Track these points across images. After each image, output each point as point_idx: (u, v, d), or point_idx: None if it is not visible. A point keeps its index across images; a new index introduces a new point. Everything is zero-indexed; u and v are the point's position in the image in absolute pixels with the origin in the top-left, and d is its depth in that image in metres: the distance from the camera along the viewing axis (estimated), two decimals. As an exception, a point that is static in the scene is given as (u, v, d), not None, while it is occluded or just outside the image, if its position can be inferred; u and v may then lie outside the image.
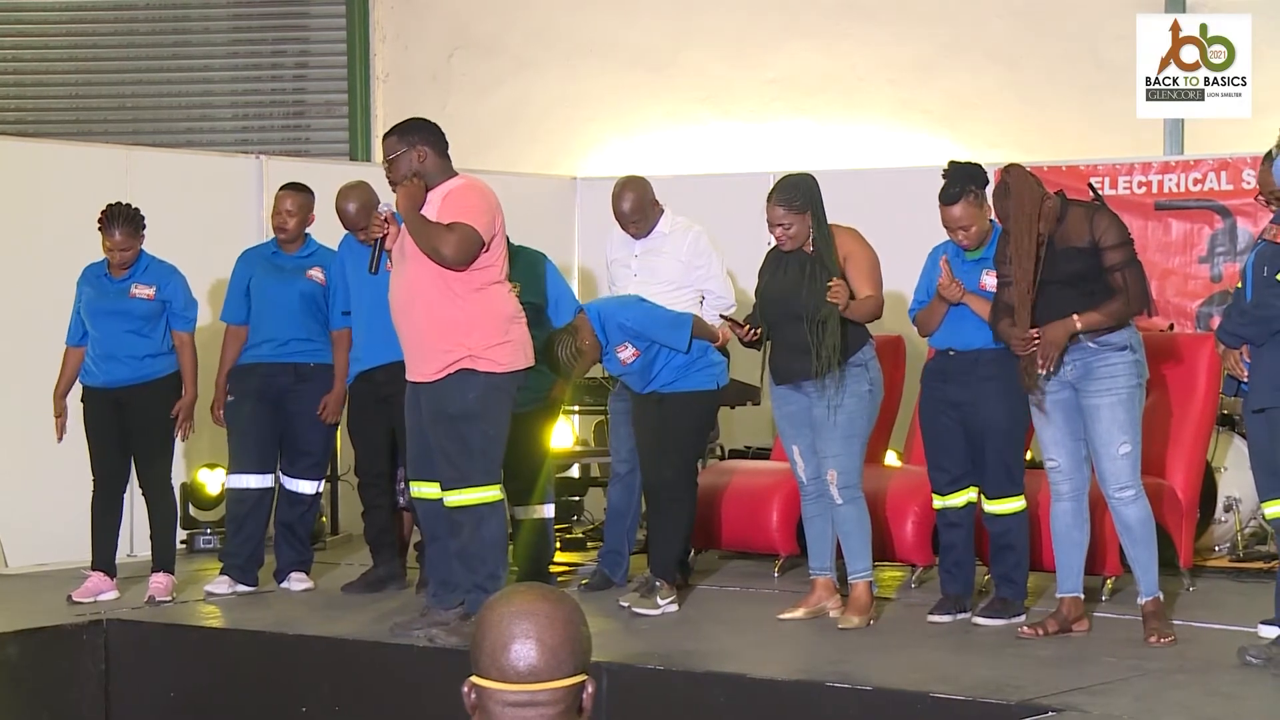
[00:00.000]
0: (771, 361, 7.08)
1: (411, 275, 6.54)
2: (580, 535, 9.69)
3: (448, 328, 6.48)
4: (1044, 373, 6.41)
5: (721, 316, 7.50)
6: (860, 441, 6.94)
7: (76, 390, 7.84)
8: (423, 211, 6.51)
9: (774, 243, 7.01)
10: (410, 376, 6.69)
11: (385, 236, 6.64)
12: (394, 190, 6.65)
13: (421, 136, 6.63)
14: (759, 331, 7.04)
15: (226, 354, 8.07)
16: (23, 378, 8.61)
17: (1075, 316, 6.35)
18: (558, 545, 8.60)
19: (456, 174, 6.70)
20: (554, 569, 8.26)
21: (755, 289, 7.18)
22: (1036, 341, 6.37)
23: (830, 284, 6.68)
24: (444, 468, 6.59)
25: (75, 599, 7.66)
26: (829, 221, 6.93)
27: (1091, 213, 6.49)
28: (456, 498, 6.58)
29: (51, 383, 7.89)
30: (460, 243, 6.40)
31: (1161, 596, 6.54)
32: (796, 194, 6.87)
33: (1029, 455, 7.65)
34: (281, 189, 8.16)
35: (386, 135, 6.71)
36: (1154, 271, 9.28)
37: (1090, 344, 6.42)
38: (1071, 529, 6.61)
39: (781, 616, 7.06)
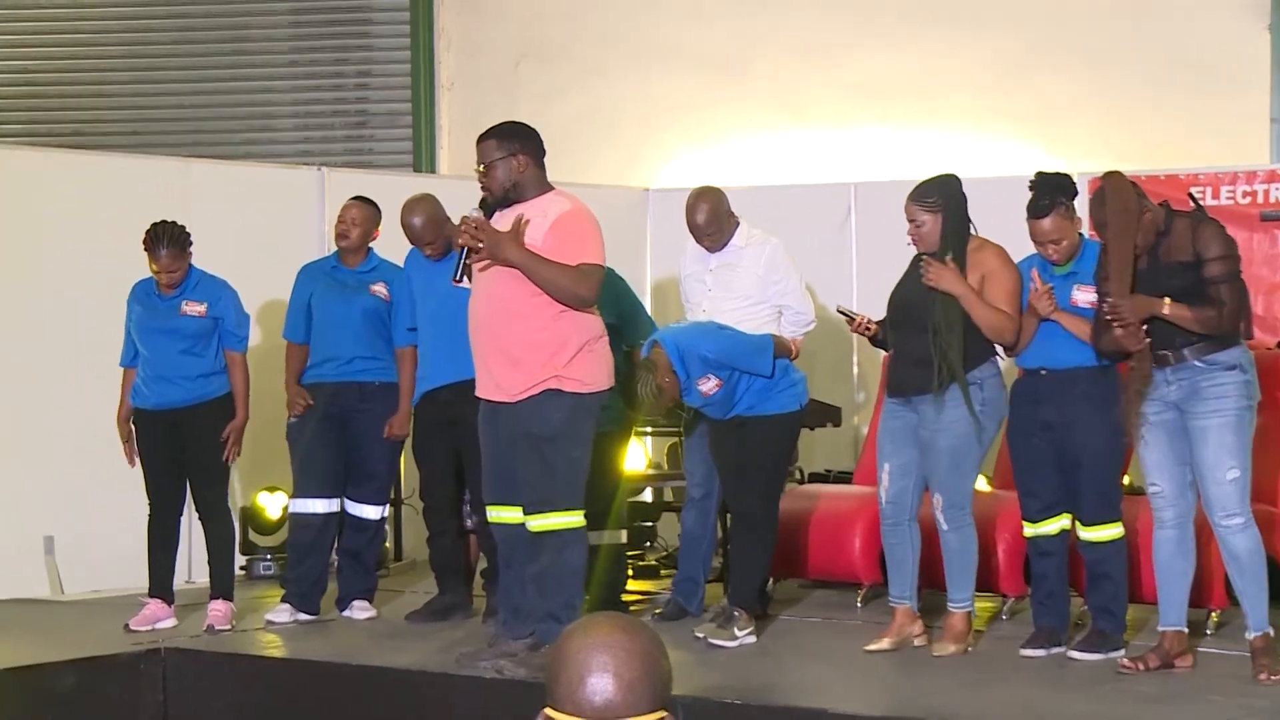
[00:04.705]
0: (890, 371, 6.99)
1: (503, 292, 6.37)
2: (654, 562, 9.56)
3: (537, 347, 6.35)
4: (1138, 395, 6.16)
5: (839, 310, 7.29)
6: (971, 463, 6.78)
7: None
8: (527, 231, 6.35)
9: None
10: (487, 395, 6.51)
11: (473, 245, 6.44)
12: (483, 189, 6.47)
13: (522, 144, 6.47)
14: (873, 325, 6.94)
15: (291, 369, 7.98)
16: (79, 398, 8.53)
17: (1167, 301, 6.13)
18: (630, 572, 8.48)
19: (552, 186, 6.55)
20: (626, 597, 8.14)
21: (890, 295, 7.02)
22: (1121, 309, 6.16)
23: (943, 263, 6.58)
24: (527, 491, 6.45)
25: (133, 627, 7.61)
26: (980, 234, 6.79)
27: (1196, 224, 6.28)
28: (540, 522, 6.44)
29: (109, 403, 7.79)
30: (595, 284, 6.40)
31: (1271, 632, 6.29)
32: (932, 191, 6.78)
33: (1128, 480, 7.47)
34: (349, 200, 8.07)
35: (484, 138, 6.47)
36: (1260, 286, 9.04)
37: (1197, 363, 6.20)
38: (1175, 558, 6.39)
39: (869, 648, 6.89)
